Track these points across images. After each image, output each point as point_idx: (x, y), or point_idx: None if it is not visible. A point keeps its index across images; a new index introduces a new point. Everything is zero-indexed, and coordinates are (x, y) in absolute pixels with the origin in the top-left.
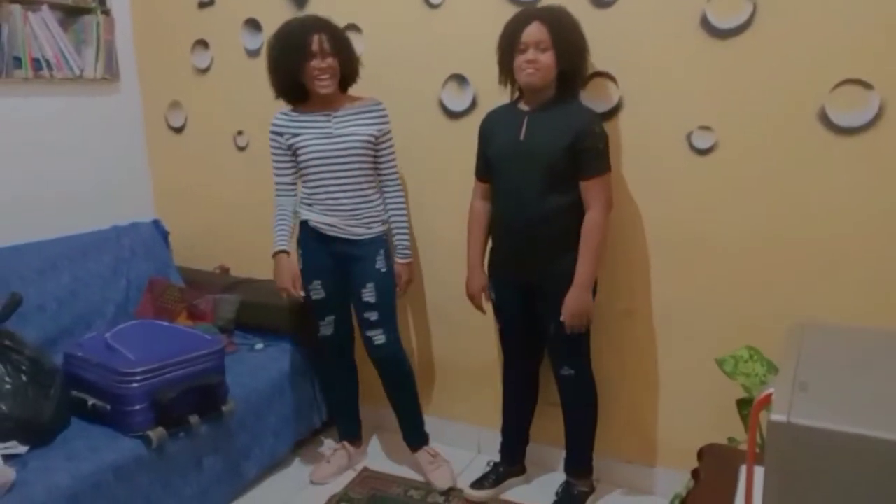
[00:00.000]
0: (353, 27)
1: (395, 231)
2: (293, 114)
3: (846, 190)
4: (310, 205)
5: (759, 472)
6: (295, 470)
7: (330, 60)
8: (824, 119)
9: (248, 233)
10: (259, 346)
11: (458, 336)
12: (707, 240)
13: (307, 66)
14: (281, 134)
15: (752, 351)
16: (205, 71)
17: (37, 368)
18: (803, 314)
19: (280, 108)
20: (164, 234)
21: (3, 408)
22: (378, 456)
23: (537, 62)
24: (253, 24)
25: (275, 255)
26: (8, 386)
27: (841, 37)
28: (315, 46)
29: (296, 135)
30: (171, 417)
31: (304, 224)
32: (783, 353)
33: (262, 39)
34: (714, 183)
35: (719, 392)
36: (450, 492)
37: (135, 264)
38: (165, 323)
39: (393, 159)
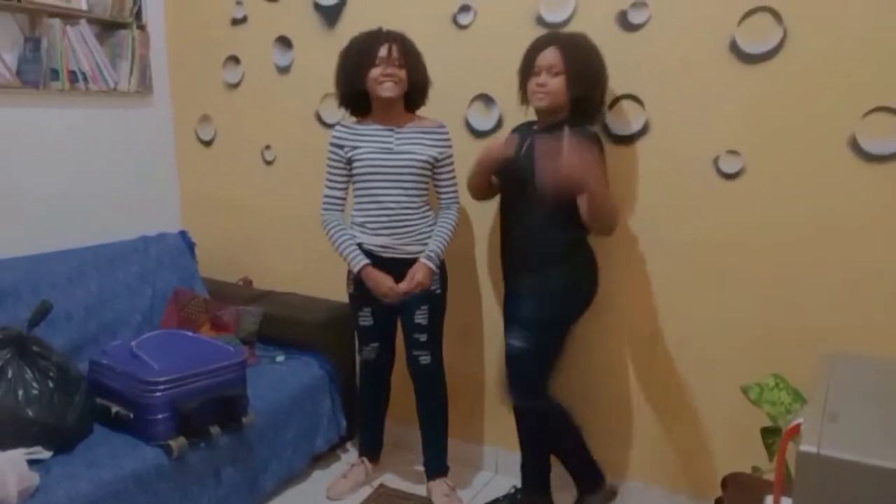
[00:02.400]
0: None
1: (435, 236)
2: (356, 125)
3: (876, 218)
4: (361, 223)
5: (785, 503)
6: (312, 484)
7: (396, 69)
8: (854, 146)
9: (272, 246)
10: (280, 358)
11: (478, 356)
12: (733, 264)
13: (373, 71)
14: (341, 146)
15: (778, 379)
16: (235, 86)
17: (63, 375)
18: (831, 341)
19: (308, 124)
20: (191, 246)
21: (30, 413)
22: (395, 473)
23: (546, 86)
24: (284, 42)
25: (361, 270)
26: (35, 391)
27: (872, 64)
28: (384, 53)
29: (355, 147)
30: (192, 428)
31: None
32: (813, 382)
33: (292, 56)
34: (741, 208)
35: (743, 419)
36: None
37: (161, 274)
38: (189, 333)
39: (454, 183)
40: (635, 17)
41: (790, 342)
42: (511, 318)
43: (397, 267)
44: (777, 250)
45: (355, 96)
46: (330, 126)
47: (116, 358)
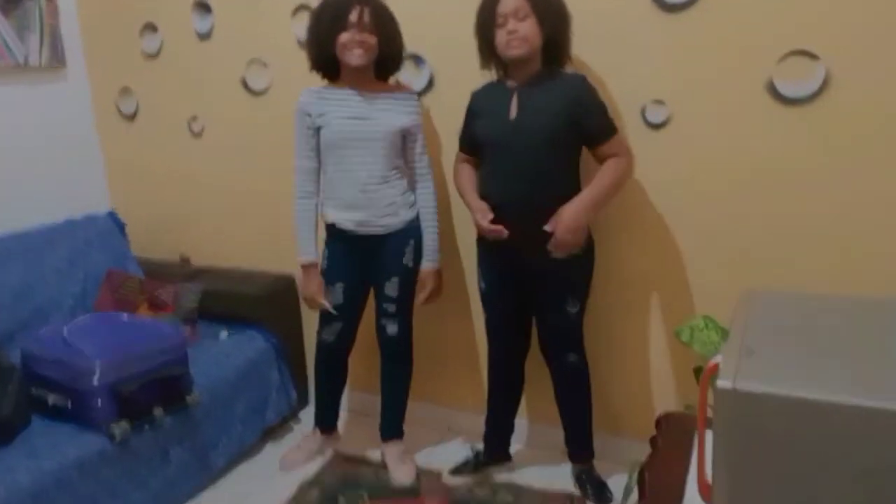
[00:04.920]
0: (306, 7)
1: (426, 229)
2: (323, 90)
3: (796, 159)
4: (333, 198)
5: (710, 437)
6: (265, 457)
7: (367, 35)
8: (772, 90)
9: (208, 221)
10: (223, 334)
11: (430, 317)
12: (663, 211)
13: (342, 36)
14: (308, 113)
15: (708, 320)
16: (155, 55)
17: None
18: (760, 282)
19: (235, 91)
20: (121, 226)
21: None
22: (349, 439)
23: (518, 31)
24: (203, 7)
25: (304, 264)
26: None
27: (787, 8)
28: (354, 17)
29: (322, 113)
30: (134, 411)
31: (331, 226)
32: (733, 319)
33: (212, 22)
34: (668, 156)
35: (680, 361)
36: (421, 475)
37: (92, 256)
38: (123, 315)
39: (425, 153)
40: None
41: (723, 284)
42: (555, 286)
43: (373, 243)
44: (704, 195)
45: (326, 60)
46: (258, 94)
47: (48, 346)
